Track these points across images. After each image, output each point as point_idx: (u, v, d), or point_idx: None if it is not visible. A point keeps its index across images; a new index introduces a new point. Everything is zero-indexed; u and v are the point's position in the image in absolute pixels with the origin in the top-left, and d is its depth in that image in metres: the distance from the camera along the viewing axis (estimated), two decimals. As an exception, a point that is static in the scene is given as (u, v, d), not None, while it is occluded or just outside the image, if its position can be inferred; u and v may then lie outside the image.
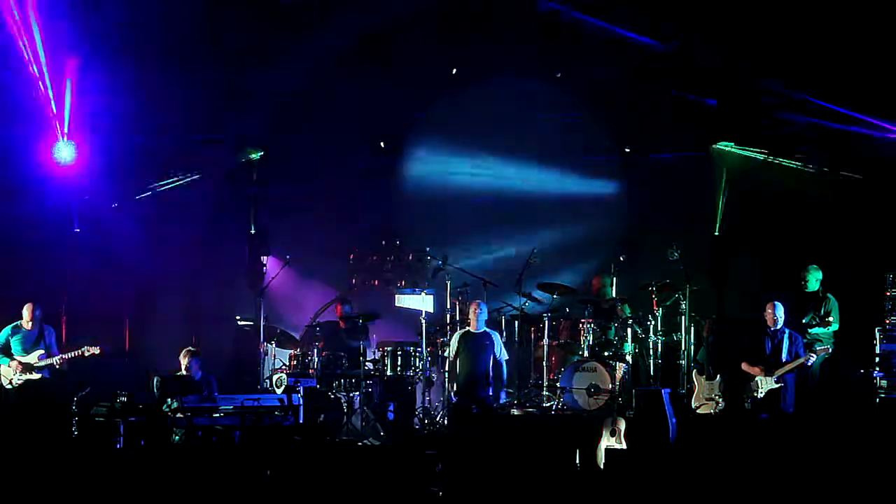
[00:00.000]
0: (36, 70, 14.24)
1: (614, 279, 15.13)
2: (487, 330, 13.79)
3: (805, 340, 13.35)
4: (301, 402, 12.58)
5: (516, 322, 15.10)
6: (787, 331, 13.19)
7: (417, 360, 14.30)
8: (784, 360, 13.04)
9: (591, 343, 14.28)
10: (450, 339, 14.04)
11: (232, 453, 11.11)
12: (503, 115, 17.07)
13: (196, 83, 15.13)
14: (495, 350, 13.73)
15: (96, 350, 13.55)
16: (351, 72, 15.91)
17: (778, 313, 13.22)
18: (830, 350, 13.41)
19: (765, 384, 13.03)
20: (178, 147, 15.60)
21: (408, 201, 17.01)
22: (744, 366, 13.24)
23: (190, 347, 13.38)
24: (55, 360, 13.55)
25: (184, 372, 12.91)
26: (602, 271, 15.28)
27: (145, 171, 15.57)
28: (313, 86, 15.75)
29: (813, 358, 13.04)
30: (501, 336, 14.34)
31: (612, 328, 14.29)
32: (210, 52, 14.91)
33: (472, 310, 13.80)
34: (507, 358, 13.90)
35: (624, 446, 12.25)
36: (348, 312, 14.96)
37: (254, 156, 15.68)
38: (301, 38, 15.31)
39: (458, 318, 14.67)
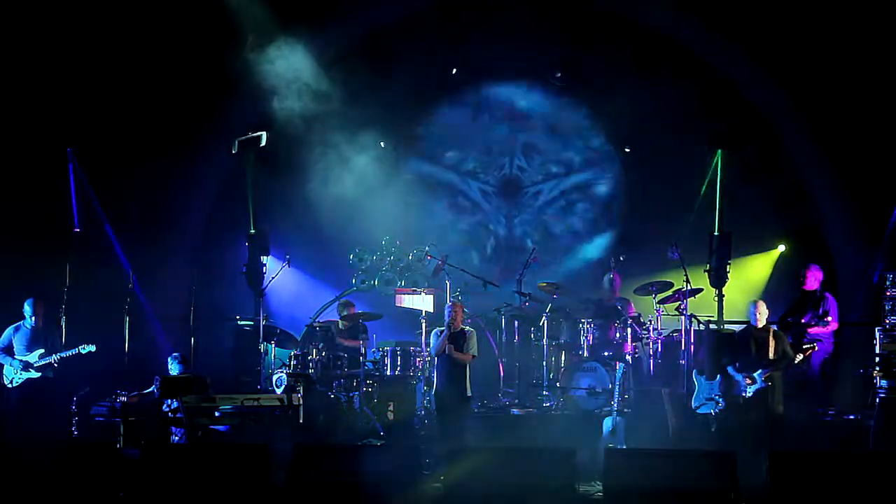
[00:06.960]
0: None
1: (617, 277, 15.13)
2: (463, 328, 13.29)
3: (805, 340, 13.32)
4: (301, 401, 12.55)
5: (516, 322, 15.09)
6: (772, 329, 12.96)
7: (417, 360, 14.28)
8: (771, 358, 12.84)
9: (591, 343, 14.27)
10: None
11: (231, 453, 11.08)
12: (503, 115, 17.11)
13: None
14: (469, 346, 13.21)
15: (92, 347, 13.51)
16: (352, 71, 15.91)
17: (761, 311, 12.94)
18: (817, 347, 13.38)
19: (753, 384, 12.81)
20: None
21: (408, 201, 17.01)
22: (729, 370, 13.10)
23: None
24: (53, 358, 13.48)
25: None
26: (616, 269, 15.16)
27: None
28: (314, 85, 15.73)
29: (799, 357, 12.96)
30: (500, 334, 14.19)
31: (613, 328, 14.28)
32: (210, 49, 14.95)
33: (446, 311, 13.38)
34: (476, 354, 13.37)
35: (624, 446, 12.26)
36: (348, 312, 14.96)
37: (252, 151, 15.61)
38: (303, 36, 15.32)
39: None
